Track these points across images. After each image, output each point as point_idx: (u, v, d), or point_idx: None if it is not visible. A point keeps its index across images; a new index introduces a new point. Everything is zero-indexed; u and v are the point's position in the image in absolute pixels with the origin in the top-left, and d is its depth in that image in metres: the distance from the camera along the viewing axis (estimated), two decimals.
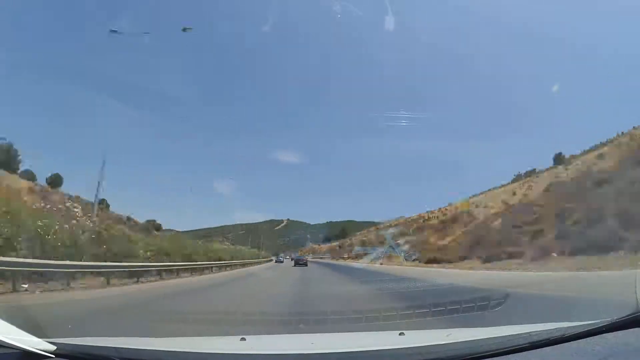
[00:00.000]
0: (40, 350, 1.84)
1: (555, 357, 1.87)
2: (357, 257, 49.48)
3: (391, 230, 54.04)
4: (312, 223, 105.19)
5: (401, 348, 2.00)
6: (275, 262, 53.72)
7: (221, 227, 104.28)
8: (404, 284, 12.49)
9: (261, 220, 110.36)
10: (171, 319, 6.13)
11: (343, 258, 56.07)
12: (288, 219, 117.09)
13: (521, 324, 2.73)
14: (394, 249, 39.09)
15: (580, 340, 1.96)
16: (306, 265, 37.29)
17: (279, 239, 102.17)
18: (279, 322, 5.79)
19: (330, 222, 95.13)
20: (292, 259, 50.84)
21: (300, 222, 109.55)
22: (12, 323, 2.08)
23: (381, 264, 34.63)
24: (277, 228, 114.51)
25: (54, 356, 1.85)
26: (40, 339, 1.93)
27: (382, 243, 40.80)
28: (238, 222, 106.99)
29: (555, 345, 1.92)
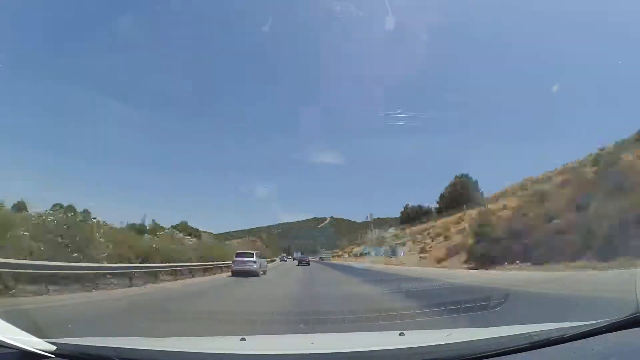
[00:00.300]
0: (40, 350, 1.85)
1: (555, 357, 1.87)
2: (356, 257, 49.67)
3: (391, 229, 54.10)
4: (357, 221, 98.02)
5: (401, 348, 2.00)
6: (280, 261, 55.81)
7: (257, 228, 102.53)
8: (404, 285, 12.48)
9: (301, 219, 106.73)
10: (171, 319, 6.14)
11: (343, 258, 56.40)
12: (331, 217, 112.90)
13: (521, 322, 2.73)
14: (394, 249, 39.13)
15: (580, 340, 1.96)
16: (308, 264, 40.53)
17: (321, 236, 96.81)
18: (278, 322, 5.80)
19: (378, 218, 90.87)
20: (294, 259, 53.01)
21: (344, 220, 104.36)
22: (12, 323, 2.08)
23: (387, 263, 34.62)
24: (319, 226, 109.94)
25: (54, 356, 1.85)
26: (40, 339, 1.93)
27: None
28: (277, 222, 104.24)
29: (555, 345, 1.92)
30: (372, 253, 44.73)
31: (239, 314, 6.84)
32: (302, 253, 58.42)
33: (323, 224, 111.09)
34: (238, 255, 21.62)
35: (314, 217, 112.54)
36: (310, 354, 2.04)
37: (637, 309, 2.08)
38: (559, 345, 1.92)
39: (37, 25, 56.99)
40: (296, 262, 45.17)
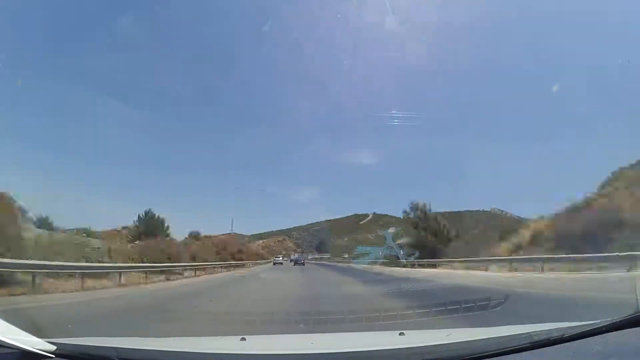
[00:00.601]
0: (40, 350, 1.85)
1: (555, 357, 1.87)
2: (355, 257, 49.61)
3: (392, 229, 53.82)
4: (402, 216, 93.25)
5: (401, 348, 2.00)
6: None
7: (293, 227, 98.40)
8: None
9: (341, 216, 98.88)
10: (171, 319, 6.14)
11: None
12: (374, 213, 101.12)
13: (522, 323, 2.73)
14: (394, 249, 38.90)
15: (580, 340, 1.96)
16: (304, 264, 43.65)
17: (364, 235, 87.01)
18: (279, 322, 5.79)
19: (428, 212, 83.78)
20: (291, 260, 56.39)
21: (389, 216, 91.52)
22: (12, 323, 2.09)
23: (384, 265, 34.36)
24: (362, 222, 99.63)
25: (54, 356, 1.85)
26: (40, 339, 1.93)
27: None
28: (316, 220, 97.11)
29: (555, 345, 1.92)
30: (371, 254, 44.54)
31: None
32: (299, 254, 61.52)
33: (365, 220, 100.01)
34: (276, 256, 53.87)
35: (355, 214, 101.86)
36: (310, 354, 2.05)
37: (637, 309, 2.09)
38: (559, 345, 1.92)
39: (37, 25, 56.83)
40: (292, 263, 48.66)
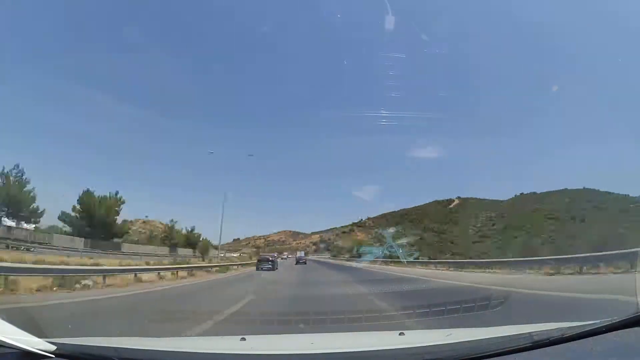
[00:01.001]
0: (40, 350, 1.84)
1: (555, 357, 1.87)
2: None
3: (392, 229, 53.88)
4: (497, 199, 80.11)
5: (401, 348, 2.00)
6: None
7: (366, 219, 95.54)
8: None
9: (423, 203, 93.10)
10: (171, 319, 6.14)
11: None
12: (458, 197, 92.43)
13: (522, 324, 2.73)
14: (393, 248, 38.92)
15: (580, 340, 1.96)
16: (305, 263, 44.60)
17: (457, 219, 77.33)
18: (279, 322, 5.79)
19: (522, 194, 74.14)
20: (295, 258, 56.32)
21: (477, 199, 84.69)
22: (12, 323, 2.08)
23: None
24: (450, 207, 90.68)
25: (54, 356, 1.85)
26: (40, 339, 1.93)
27: None
28: (394, 209, 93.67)
29: (556, 345, 1.92)
30: (372, 253, 44.51)
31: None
32: (305, 254, 62.08)
33: (451, 205, 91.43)
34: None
35: (435, 200, 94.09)
36: (310, 354, 2.04)
37: (637, 309, 2.09)
38: (559, 345, 1.92)
39: (39, 25, 57.15)
40: (295, 261, 49.22)
